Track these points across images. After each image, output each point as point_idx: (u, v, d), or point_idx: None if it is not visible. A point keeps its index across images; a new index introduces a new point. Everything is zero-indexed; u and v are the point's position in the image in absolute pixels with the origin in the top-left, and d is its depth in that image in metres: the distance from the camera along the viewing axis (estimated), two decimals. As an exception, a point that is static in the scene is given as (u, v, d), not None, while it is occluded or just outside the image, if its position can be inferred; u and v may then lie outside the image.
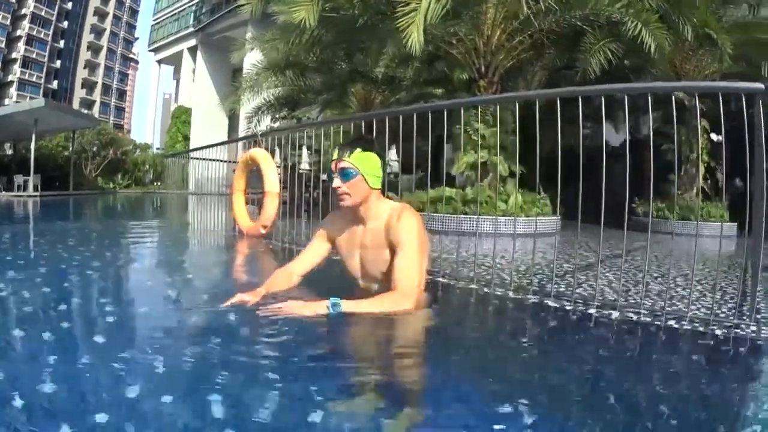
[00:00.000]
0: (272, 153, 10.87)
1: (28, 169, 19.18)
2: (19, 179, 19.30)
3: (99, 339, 1.98)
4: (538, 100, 3.32)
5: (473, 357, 2.11)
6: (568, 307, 2.88)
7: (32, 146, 19.28)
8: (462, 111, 4.25)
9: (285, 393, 1.53)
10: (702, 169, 8.76)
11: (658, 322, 2.63)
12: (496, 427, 1.37)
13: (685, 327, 2.57)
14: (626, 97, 3.16)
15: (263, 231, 5.99)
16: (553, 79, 10.58)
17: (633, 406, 1.64)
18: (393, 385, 1.72)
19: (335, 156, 2.51)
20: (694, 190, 8.77)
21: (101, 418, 1.28)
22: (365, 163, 2.46)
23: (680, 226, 7.51)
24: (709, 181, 9.03)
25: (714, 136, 8.67)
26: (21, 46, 57.55)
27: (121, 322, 2.28)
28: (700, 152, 8.52)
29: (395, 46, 9.11)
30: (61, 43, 62.17)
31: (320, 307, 2.12)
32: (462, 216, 6.72)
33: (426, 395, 1.66)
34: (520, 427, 1.39)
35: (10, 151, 25.30)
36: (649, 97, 3.06)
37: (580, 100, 3.04)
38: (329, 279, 2.75)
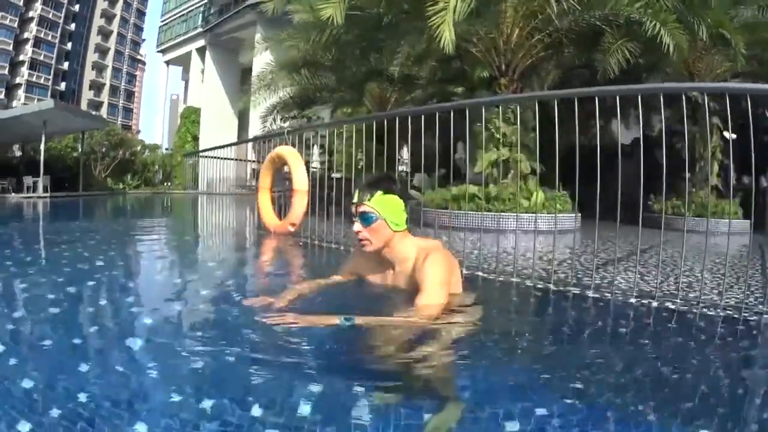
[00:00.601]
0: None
1: (37, 170, 19.05)
2: (28, 180, 19.16)
3: (132, 338, 2.08)
4: (556, 99, 3.49)
5: (533, 348, 2.32)
6: (608, 297, 3.06)
7: (42, 147, 19.15)
8: (483, 109, 4.43)
9: (330, 391, 1.62)
10: (716, 167, 8.89)
11: (695, 310, 2.82)
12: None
13: (720, 314, 2.75)
14: (661, 96, 3.30)
15: (291, 229, 6.05)
16: (566, 77, 10.70)
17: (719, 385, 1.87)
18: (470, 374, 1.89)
19: (356, 198, 2.42)
20: (709, 188, 8.91)
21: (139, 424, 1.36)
22: (387, 207, 2.37)
23: (696, 223, 7.60)
24: (722, 179, 9.16)
25: (726, 134, 8.79)
26: (29, 48, 57.91)
27: (151, 320, 2.38)
28: (727, 149, 8.61)
29: (411, 45, 9.30)
30: (69, 45, 62.53)
31: (332, 319, 2.00)
32: (486, 213, 6.87)
33: (498, 387, 1.78)
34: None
35: (18, 153, 25.36)
36: (683, 97, 3.24)
37: (618, 99, 3.22)
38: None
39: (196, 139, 38.92)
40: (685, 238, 3.44)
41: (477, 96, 9.58)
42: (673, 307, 2.88)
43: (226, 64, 40.02)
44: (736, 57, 7.94)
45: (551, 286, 3.32)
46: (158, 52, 51.27)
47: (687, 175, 6.95)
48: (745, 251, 5.88)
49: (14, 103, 51.68)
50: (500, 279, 3.61)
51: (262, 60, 17.59)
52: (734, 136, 8.63)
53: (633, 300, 3.00)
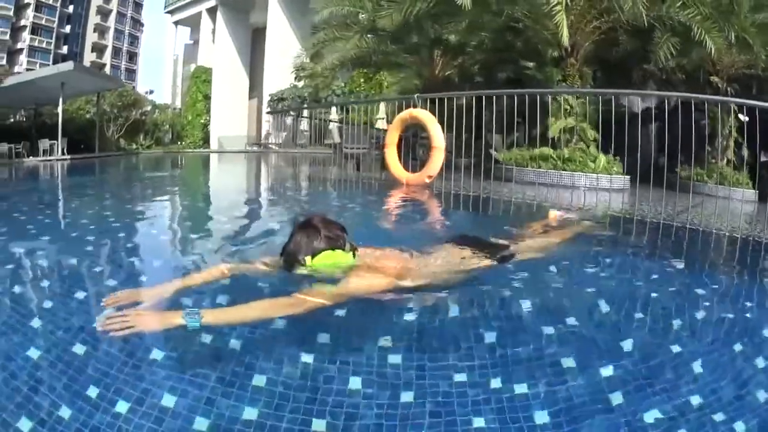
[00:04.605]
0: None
1: (48, 133, 19.11)
2: (44, 144, 18.89)
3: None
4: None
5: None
6: (699, 228, 4.96)
7: (60, 110, 19.24)
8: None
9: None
10: (731, 144, 10.60)
11: (751, 237, 4.69)
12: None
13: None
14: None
15: (428, 180, 7.44)
16: (599, 52, 12.09)
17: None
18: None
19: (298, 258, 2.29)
20: (725, 160, 10.63)
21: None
22: (326, 265, 2.29)
23: (716, 189, 9.12)
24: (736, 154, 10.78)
25: (741, 116, 10.39)
26: (30, 12, 57.29)
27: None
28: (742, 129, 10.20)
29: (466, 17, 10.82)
30: (71, 8, 61.90)
31: (174, 317, 1.77)
32: (562, 172, 8.85)
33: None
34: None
35: (24, 119, 25.42)
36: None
37: (667, 105, 4.98)
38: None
39: (207, 98, 39.53)
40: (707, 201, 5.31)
41: (545, 71, 11.30)
42: (737, 235, 4.73)
43: (237, 24, 40.49)
44: (757, 58, 9.66)
45: (661, 221, 5.21)
46: (167, 12, 51.24)
47: (708, 148, 8.72)
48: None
49: (16, 68, 51.32)
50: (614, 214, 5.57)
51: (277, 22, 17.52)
52: (747, 118, 10.29)
53: (714, 230, 4.86)
